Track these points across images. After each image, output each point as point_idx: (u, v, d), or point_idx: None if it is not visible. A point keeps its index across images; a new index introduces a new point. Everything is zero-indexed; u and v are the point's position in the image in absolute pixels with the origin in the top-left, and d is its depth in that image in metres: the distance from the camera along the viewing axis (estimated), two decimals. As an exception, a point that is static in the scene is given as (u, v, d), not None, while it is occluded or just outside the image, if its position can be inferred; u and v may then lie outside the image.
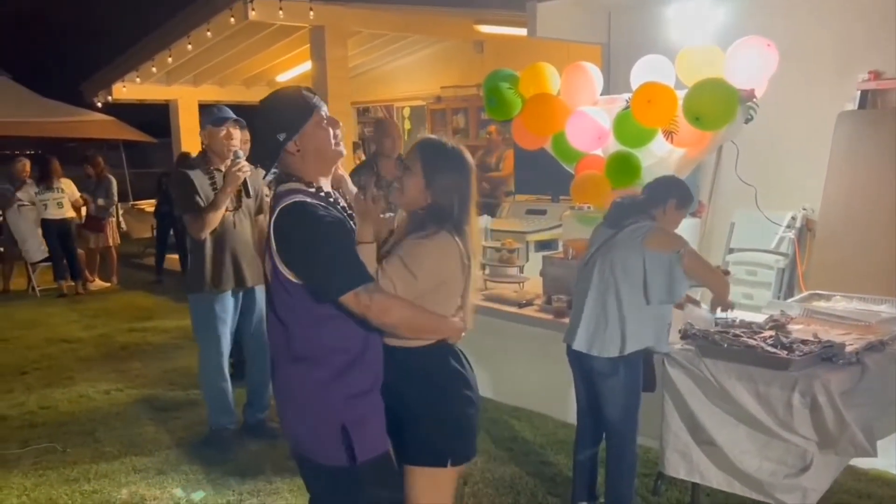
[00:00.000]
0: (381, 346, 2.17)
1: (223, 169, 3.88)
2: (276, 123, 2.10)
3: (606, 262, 3.05)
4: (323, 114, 2.13)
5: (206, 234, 3.84)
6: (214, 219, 3.82)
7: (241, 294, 4.07)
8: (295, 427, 2.16)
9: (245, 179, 3.84)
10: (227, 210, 3.87)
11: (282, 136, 2.08)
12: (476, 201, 2.27)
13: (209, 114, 3.97)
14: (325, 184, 2.18)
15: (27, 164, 8.91)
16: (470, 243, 2.23)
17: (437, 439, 2.21)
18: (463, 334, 2.25)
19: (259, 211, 4.11)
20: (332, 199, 2.15)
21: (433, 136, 2.29)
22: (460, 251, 2.18)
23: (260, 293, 4.10)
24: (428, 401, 2.21)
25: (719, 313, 3.23)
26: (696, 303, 3.47)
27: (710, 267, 3.13)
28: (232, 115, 3.91)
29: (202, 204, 3.82)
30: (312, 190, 2.10)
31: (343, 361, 2.08)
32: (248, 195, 3.94)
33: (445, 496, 2.27)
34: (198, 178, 3.87)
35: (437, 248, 2.15)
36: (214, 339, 3.97)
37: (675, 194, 3.14)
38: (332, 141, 2.14)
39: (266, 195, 4.02)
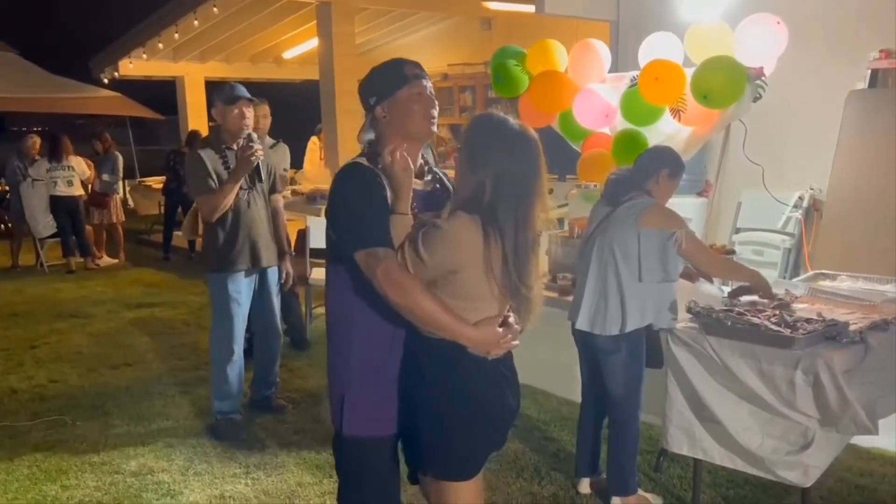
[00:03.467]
0: (393, 330, 2.10)
1: (236, 148, 3.82)
2: (371, 86, 2.14)
3: (605, 241, 3.05)
4: (420, 89, 2.10)
5: (217, 216, 3.80)
6: (225, 201, 3.77)
7: (256, 274, 4.04)
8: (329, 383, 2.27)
9: (258, 163, 3.80)
10: (240, 189, 3.83)
11: (373, 100, 2.13)
12: (540, 191, 1.99)
13: (220, 91, 3.85)
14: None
15: (37, 140, 8.96)
16: (525, 237, 1.96)
17: (433, 450, 2.12)
18: (495, 351, 2.07)
19: (273, 190, 4.10)
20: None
21: (488, 112, 2.05)
22: (483, 241, 1.92)
23: (272, 274, 4.11)
24: (431, 402, 2.08)
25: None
26: (707, 278, 3.46)
27: (709, 251, 3.10)
28: (244, 93, 3.80)
29: (214, 186, 3.76)
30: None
31: (350, 334, 2.15)
32: (259, 180, 3.90)
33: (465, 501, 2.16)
34: (210, 158, 3.79)
35: (450, 230, 1.94)
36: (226, 319, 3.93)
37: (666, 164, 3.11)
38: (422, 117, 2.10)
39: (284, 171, 4.01)
